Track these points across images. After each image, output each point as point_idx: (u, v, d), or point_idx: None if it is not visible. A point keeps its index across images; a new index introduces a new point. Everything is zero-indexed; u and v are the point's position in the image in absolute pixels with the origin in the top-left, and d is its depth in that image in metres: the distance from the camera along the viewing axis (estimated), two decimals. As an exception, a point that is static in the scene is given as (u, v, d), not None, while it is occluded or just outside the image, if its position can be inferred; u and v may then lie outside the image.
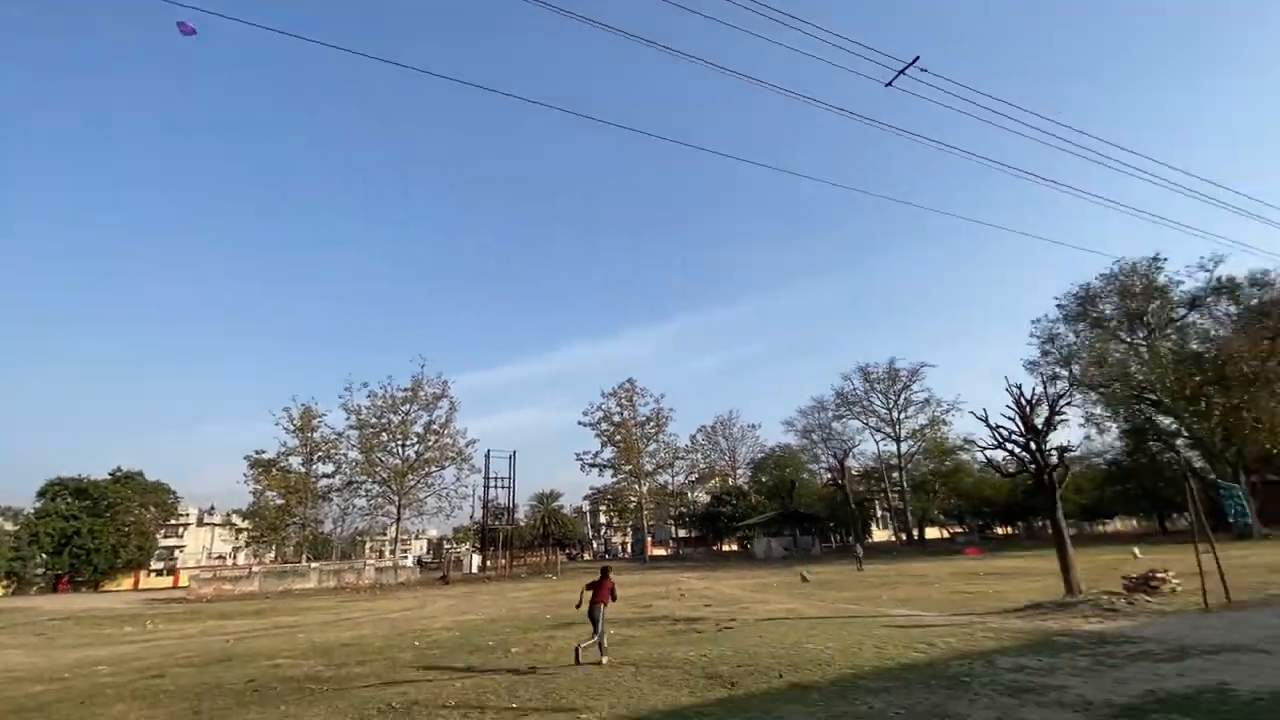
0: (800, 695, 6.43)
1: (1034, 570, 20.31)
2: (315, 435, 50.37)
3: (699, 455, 74.74)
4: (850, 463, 63.84)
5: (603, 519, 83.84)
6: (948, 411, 59.71)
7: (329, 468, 50.93)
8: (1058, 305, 44.17)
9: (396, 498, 48.35)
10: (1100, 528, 65.36)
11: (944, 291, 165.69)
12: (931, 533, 67.89)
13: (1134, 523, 62.07)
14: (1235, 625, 9.12)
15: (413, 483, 49.47)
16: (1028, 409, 13.19)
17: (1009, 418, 13.50)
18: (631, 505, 64.83)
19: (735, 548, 68.59)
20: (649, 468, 62.25)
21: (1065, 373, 39.66)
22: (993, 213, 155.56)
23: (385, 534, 72.41)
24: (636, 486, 61.72)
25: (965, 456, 59.31)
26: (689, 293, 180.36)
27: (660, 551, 72.71)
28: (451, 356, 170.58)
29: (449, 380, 51.61)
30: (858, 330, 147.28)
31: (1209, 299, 40.16)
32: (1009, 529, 68.31)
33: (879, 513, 71.41)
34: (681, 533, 78.14)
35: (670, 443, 64.38)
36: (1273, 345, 33.25)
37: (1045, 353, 42.92)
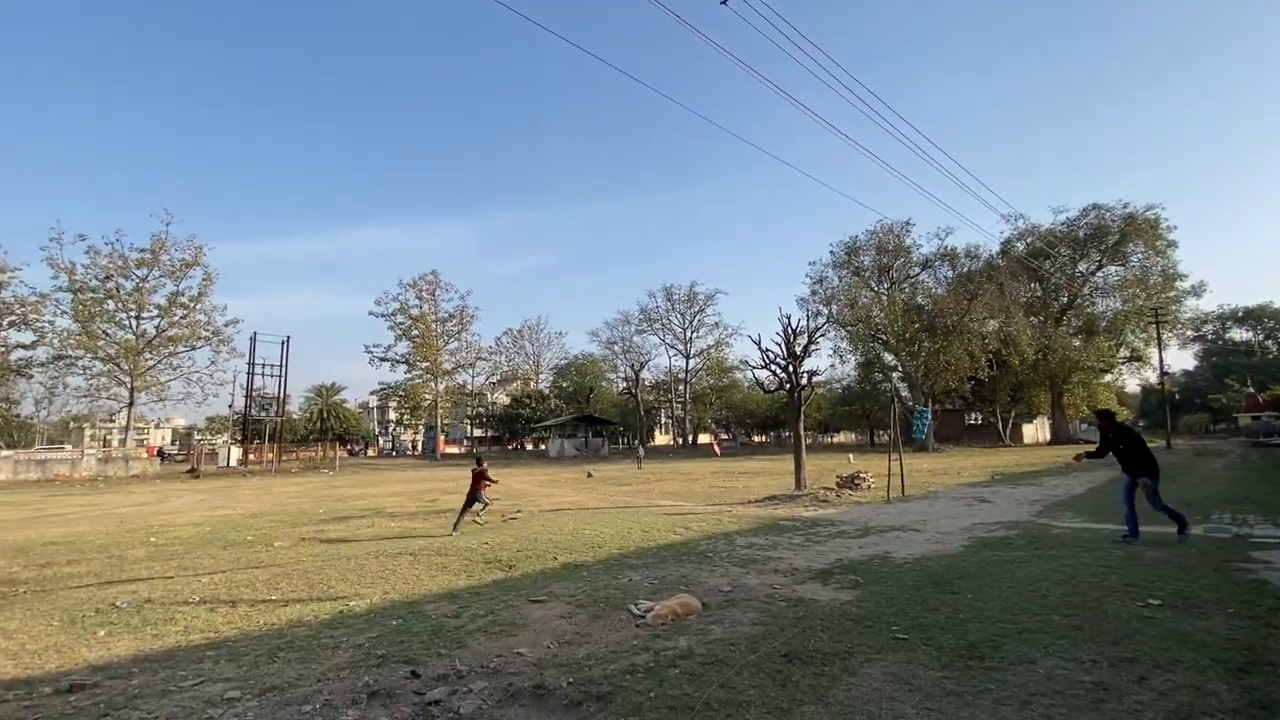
0: (571, 573, 7.05)
1: (777, 470, 24.24)
2: (3, 294, 39.41)
3: (503, 357, 74.20)
4: (644, 374, 68.53)
5: (392, 415, 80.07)
6: (731, 335, 66.78)
7: (26, 336, 40.61)
8: (830, 251, 50.85)
9: (128, 379, 40.64)
10: (830, 439, 79.84)
11: (751, 224, 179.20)
12: (703, 438, 76.89)
13: (854, 436, 76.85)
14: (903, 512, 11.94)
15: (151, 362, 41.87)
16: (792, 336, 15.24)
17: (777, 343, 15.49)
18: (425, 403, 62.59)
19: (530, 447, 70.85)
20: (448, 366, 60.15)
21: (826, 310, 46.23)
22: (823, 161, 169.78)
23: (113, 420, 61.00)
24: (433, 384, 59.48)
25: (739, 375, 67.42)
26: (506, 190, 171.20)
27: (453, 450, 72.25)
28: (211, 220, 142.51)
29: (205, 246, 43.31)
30: (669, 250, 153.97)
31: (936, 262, 49.28)
32: (764, 437, 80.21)
33: (663, 419, 78.62)
34: (477, 432, 78.20)
35: (473, 343, 62.68)
36: (970, 305, 42.24)
37: (814, 291, 49.42)
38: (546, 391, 71.89)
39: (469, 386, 68.67)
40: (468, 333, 60.65)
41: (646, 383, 70.43)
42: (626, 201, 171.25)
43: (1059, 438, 49.61)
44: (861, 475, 16.09)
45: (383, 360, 57.51)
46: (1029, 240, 50.85)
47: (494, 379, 74.11)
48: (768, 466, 28.49)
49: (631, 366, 66.56)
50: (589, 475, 24.98)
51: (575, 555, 8.10)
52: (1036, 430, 56.15)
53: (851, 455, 35.03)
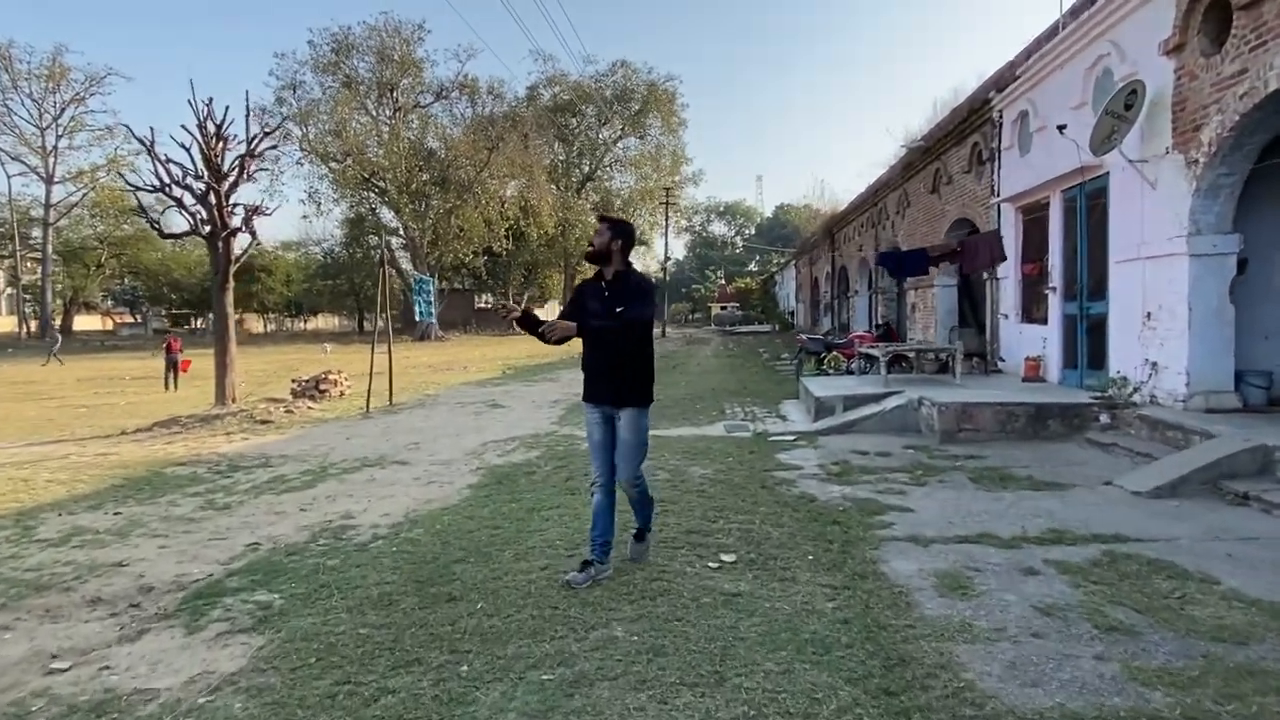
0: None
1: (207, 373, 20.06)
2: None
3: None
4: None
5: None
6: (139, 153, 53.96)
7: None
8: (310, 43, 45.24)
9: None
10: (304, 325, 75.51)
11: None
12: (87, 322, 62.81)
13: (338, 321, 74.35)
14: (387, 430, 10.39)
15: None
16: (215, 140, 11.42)
17: (186, 148, 11.45)
18: None
19: None
20: None
21: (300, 132, 41.15)
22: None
23: None
24: None
25: (159, 219, 55.92)
26: None
27: None
28: None
29: None
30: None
31: (454, 93, 49.37)
32: (201, 321, 70.03)
33: (2, 287, 60.00)
34: None
35: None
36: (490, 157, 43.72)
37: (282, 101, 43.39)
38: None
39: None
40: None
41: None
42: None
43: (571, 323, 58.62)
44: (331, 376, 14.03)
45: None
46: (556, 91, 55.89)
47: None
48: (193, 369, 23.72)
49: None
50: None
51: None
52: (547, 316, 65.11)
53: (330, 346, 32.80)
